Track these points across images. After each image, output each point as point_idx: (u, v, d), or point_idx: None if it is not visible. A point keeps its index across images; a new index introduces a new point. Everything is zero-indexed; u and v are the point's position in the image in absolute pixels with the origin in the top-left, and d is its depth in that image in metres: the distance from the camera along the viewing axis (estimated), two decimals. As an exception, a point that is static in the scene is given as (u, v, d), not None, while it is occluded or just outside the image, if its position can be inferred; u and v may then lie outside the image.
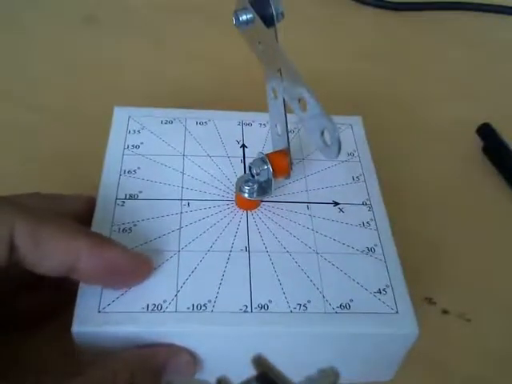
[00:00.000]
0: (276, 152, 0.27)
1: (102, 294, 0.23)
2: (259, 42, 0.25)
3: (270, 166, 0.26)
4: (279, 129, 0.27)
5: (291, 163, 0.27)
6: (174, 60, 0.43)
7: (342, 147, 0.30)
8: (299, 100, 0.23)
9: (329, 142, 0.21)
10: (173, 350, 0.23)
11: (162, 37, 0.45)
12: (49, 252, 0.21)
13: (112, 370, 0.21)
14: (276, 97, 0.26)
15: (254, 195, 0.26)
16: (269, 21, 0.24)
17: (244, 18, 0.24)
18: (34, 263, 0.21)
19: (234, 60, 0.42)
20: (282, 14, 0.24)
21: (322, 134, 0.22)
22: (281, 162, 0.27)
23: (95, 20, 0.46)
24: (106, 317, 0.22)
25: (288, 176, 0.27)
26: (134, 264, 0.23)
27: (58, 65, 0.41)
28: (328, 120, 0.21)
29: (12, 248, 0.21)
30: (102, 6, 0.48)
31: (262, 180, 0.26)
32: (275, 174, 0.26)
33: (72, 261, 0.21)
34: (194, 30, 0.47)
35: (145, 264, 0.23)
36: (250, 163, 0.26)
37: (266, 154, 0.26)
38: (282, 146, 0.27)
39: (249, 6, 0.24)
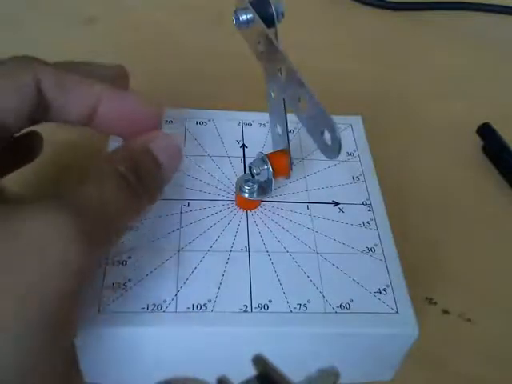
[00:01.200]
0: (276, 152, 0.27)
1: (101, 294, 0.23)
2: (259, 42, 0.24)
3: (270, 166, 0.26)
4: (279, 129, 0.27)
5: (291, 163, 0.27)
6: (173, 60, 0.43)
7: (342, 147, 0.30)
8: (299, 100, 0.23)
9: (329, 142, 0.21)
10: (159, 132, 0.24)
11: (162, 37, 0.45)
12: (73, 95, 0.23)
13: (105, 157, 0.23)
14: (276, 97, 0.26)
15: (254, 195, 0.26)
16: (269, 21, 0.24)
17: (244, 17, 0.24)
18: (59, 108, 0.23)
19: (234, 60, 0.42)
20: (283, 14, 0.24)
21: (322, 133, 0.22)
22: (281, 162, 0.26)
23: (95, 20, 0.46)
24: (106, 317, 0.22)
25: (288, 176, 0.27)
26: (148, 112, 0.24)
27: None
28: (328, 120, 0.21)
29: (39, 93, 0.22)
30: (102, 5, 0.48)
31: (262, 180, 0.26)
32: (275, 173, 0.26)
33: (94, 104, 0.23)
34: (194, 29, 0.47)
35: (155, 116, 0.25)
36: (250, 163, 0.26)
37: (266, 154, 0.26)
38: (282, 146, 0.27)
39: (249, 5, 0.24)
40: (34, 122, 0.23)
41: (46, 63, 0.23)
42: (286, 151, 0.27)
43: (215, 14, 0.48)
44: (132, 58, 0.43)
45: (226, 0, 0.50)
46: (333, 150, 0.21)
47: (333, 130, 0.20)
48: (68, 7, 0.48)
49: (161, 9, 0.48)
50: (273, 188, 0.27)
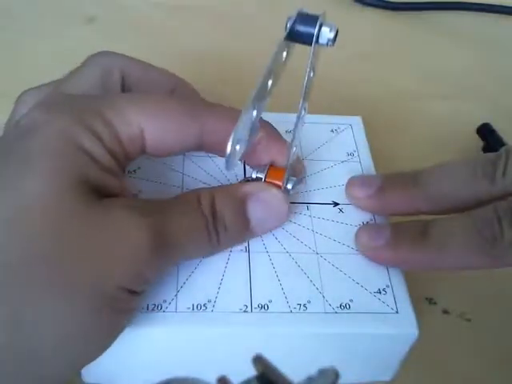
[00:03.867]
0: (280, 169, 0.26)
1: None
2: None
3: (263, 177, 0.25)
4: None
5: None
6: (173, 60, 0.43)
7: (341, 148, 0.30)
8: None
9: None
10: (260, 184, 0.25)
11: (162, 37, 0.45)
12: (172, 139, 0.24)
13: (196, 193, 0.23)
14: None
15: None
16: (307, 41, 0.22)
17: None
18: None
19: (234, 60, 0.42)
20: (333, 41, 0.22)
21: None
22: (276, 179, 0.26)
23: (95, 19, 0.46)
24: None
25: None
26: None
27: (58, 65, 0.41)
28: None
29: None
30: (102, 5, 0.48)
31: None
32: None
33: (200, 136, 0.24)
34: (194, 29, 0.47)
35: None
36: (252, 166, 0.26)
37: (271, 165, 0.26)
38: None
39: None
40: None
41: (150, 109, 0.23)
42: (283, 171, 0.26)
43: (215, 14, 0.49)
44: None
45: (226, 2, 0.50)
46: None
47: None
48: (68, 7, 0.48)
49: (161, 9, 0.48)
50: None
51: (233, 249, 0.25)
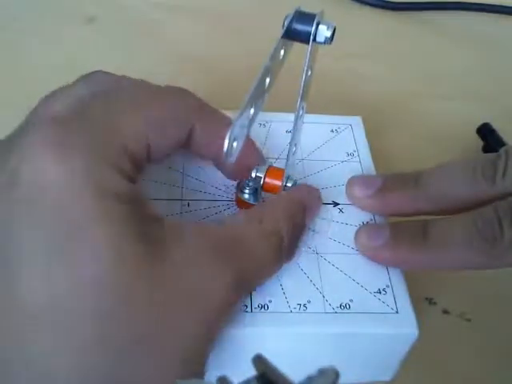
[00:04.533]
0: (279, 170, 0.26)
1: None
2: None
3: (262, 176, 0.26)
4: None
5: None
6: (173, 60, 0.43)
7: (341, 148, 0.30)
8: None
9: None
10: (308, 189, 0.26)
11: (162, 37, 0.45)
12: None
13: (274, 215, 0.23)
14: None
15: (252, 198, 0.26)
16: (304, 39, 0.22)
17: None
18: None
19: (234, 60, 0.42)
20: (330, 39, 0.22)
21: None
22: (274, 179, 0.26)
23: (95, 19, 0.46)
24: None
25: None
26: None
27: (58, 65, 0.41)
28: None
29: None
30: (102, 5, 0.48)
31: (255, 186, 0.26)
32: (264, 187, 0.26)
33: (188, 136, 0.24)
34: (194, 29, 0.47)
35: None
36: (254, 166, 0.26)
37: (270, 166, 0.26)
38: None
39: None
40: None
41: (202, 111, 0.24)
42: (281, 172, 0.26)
43: (215, 14, 0.49)
44: (132, 58, 0.43)
45: (226, 1, 0.50)
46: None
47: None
48: (68, 7, 0.48)
49: (161, 9, 0.48)
50: (260, 198, 0.26)
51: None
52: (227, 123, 0.23)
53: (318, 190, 0.26)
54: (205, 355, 0.20)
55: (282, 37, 0.22)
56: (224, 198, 0.27)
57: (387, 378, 0.26)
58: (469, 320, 0.29)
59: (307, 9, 0.22)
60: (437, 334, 0.28)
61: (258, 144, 0.27)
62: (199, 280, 0.19)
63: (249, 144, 0.26)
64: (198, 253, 0.20)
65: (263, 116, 0.31)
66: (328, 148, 0.30)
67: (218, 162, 0.26)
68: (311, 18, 0.22)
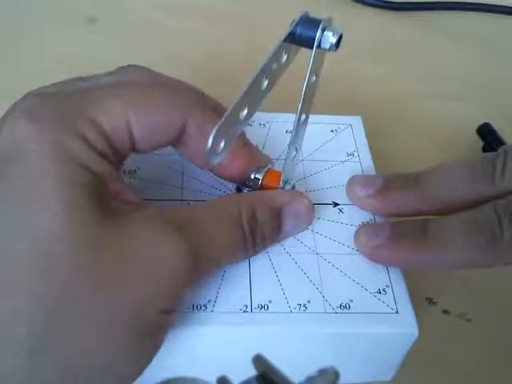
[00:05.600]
0: (276, 172, 0.26)
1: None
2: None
3: (261, 178, 0.26)
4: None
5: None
6: (174, 60, 0.43)
7: (341, 148, 0.30)
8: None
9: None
10: (294, 193, 0.26)
11: (162, 37, 0.45)
12: (160, 135, 0.23)
13: (237, 205, 0.23)
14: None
15: None
16: (308, 45, 0.22)
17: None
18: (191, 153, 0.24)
19: (234, 60, 0.42)
20: (336, 45, 0.22)
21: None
22: (272, 180, 0.26)
23: (95, 20, 0.46)
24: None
25: None
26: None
27: (58, 65, 0.41)
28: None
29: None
30: (102, 5, 0.48)
31: (254, 187, 0.26)
32: (262, 187, 0.26)
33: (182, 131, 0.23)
34: (194, 30, 0.47)
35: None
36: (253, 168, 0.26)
37: (269, 169, 0.26)
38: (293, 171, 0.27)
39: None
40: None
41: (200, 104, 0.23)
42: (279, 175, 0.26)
43: (215, 14, 0.49)
44: (132, 58, 0.43)
45: (226, 1, 0.50)
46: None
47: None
48: (68, 7, 0.48)
49: (161, 9, 0.48)
50: None
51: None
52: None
53: (307, 200, 0.26)
54: (161, 325, 0.20)
55: (285, 40, 0.21)
56: (224, 198, 0.27)
57: (387, 377, 0.26)
58: (469, 320, 0.29)
59: (307, 9, 0.22)
60: (437, 334, 0.28)
61: (257, 148, 0.27)
62: (151, 248, 0.19)
63: (244, 147, 0.25)
64: (153, 226, 0.20)
65: (263, 116, 0.31)
66: (328, 148, 0.30)
67: (210, 167, 0.25)
68: (316, 23, 0.21)
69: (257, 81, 0.21)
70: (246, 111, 0.20)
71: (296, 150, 0.25)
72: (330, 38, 0.22)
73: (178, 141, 0.23)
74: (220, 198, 0.25)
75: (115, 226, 0.19)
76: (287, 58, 0.22)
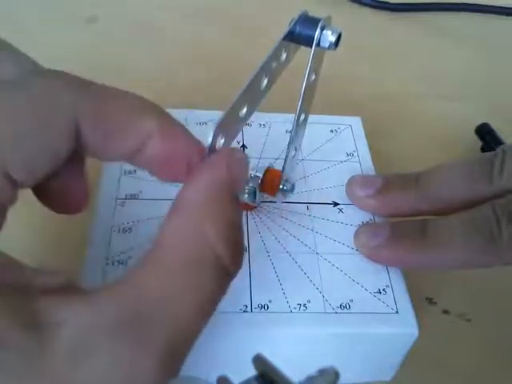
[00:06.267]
0: (276, 170, 0.26)
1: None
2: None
3: (260, 176, 0.26)
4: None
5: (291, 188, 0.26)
6: (174, 60, 0.43)
7: (340, 148, 0.30)
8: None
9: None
10: (229, 152, 0.19)
11: (162, 37, 0.45)
12: (117, 139, 0.18)
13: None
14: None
15: (252, 198, 0.26)
16: (308, 43, 0.22)
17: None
18: (98, 151, 0.18)
19: (234, 60, 0.42)
20: (335, 44, 0.22)
21: None
22: (271, 179, 0.26)
23: (95, 19, 0.46)
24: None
25: (274, 196, 0.26)
26: (198, 150, 0.19)
27: (58, 65, 0.41)
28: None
29: (77, 136, 0.17)
30: (103, 5, 0.48)
31: (254, 186, 0.26)
32: (262, 187, 0.26)
33: (139, 145, 0.18)
34: (194, 30, 0.47)
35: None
36: (253, 167, 0.26)
37: (269, 167, 0.26)
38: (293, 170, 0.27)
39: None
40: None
41: (86, 94, 0.18)
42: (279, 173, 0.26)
43: (215, 14, 0.49)
44: (132, 58, 0.43)
45: (226, 1, 0.50)
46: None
47: None
48: (68, 7, 0.48)
49: (161, 9, 0.48)
50: (258, 199, 0.26)
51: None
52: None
53: (240, 151, 0.20)
54: None
55: (284, 39, 0.22)
56: (224, 198, 0.27)
57: (387, 378, 0.26)
58: (469, 320, 0.29)
59: (307, 9, 0.22)
60: (437, 334, 0.28)
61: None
62: (102, 372, 0.14)
63: (175, 132, 0.20)
64: (95, 337, 0.14)
65: (263, 116, 0.31)
66: (328, 148, 0.30)
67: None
68: (315, 22, 0.22)
69: (256, 79, 0.21)
70: (245, 109, 0.20)
71: (295, 150, 0.25)
72: (329, 36, 0.22)
73: (136, 152, 0.19)
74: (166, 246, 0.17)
75: (44, 353, 0.14)
76: (287, 56, 0.22)
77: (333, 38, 0.22)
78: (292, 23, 0.22)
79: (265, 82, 0.21)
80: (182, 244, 0.16)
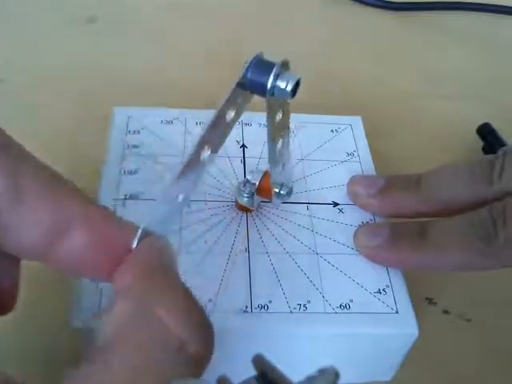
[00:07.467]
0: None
1: (101, 296, 0.22)
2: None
3: (256, 184, 0.26)
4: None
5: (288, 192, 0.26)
6: (174, 60, 0.43)
7: (341, 148, 0.30)
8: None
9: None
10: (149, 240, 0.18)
11: (162, 36, 0.45)
12: (28, 221, 0.15)
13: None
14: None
15: (250, 202, 0.26)
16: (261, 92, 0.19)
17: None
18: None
19: (234, 60, 0.42)
20: (293, 93, 0.19)
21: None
22: (266, 186, 0.26)
23: (95, 20, 0.46)
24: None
25: (269, 199, 0.26)
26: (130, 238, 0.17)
27: (58, 66, 0.41)
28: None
29: None
30: (102, 5, 0.48)
31: (251, 190, 0.26)
32: (258, 191, 0.26)
33: (57, 232, 0.15)
34: (194, 30, 0.47)
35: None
36: (251, 170, 0.26)
37: (266, 171, 0.26)
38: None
39: None
40: None
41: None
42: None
43: (215, 14, 0.49)
44: (132, 58, 0.43)
45: (226, 2, 0.50)
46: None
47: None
48: (68, 7, 0.48)
49: (161, 9, 0.48)
50: (255, 202, 0.26)
51: (233, 249, 0.25)
52: None
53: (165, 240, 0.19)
54: None
55: (238, 86, 0.19)
56: (224, 199, 0.27)
57: (387, 378, 0.26)
58: (469, 320, 0.29)
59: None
60: (437, 334, 0.28)
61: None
62: None
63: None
64: None
65: (263, 116, 0.31)
66: (328, 148, 0.30)
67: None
68: (269, 68, 0.18)
69: (214, 126, 0.19)
70: (208, 152, 0.19)
71: (283, 166, 0.25)
72: (284, 86, 0.18)
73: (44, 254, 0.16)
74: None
75: None
76: (243, 104, 0.20)
77: (289, 88, 0.18)
78: (245, 68, 0.19)
79: (223, 127, 0.19)
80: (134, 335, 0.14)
